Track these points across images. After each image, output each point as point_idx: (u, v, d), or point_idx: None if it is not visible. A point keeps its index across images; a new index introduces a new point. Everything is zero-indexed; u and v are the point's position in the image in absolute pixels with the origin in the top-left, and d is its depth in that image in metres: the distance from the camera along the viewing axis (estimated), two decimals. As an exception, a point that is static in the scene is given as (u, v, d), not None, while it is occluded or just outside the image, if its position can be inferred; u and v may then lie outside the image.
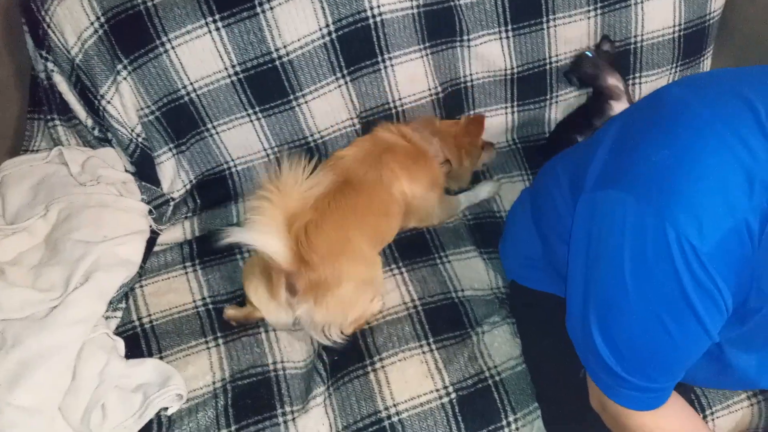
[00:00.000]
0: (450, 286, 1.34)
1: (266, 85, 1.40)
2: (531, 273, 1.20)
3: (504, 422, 1.15)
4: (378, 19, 1.39)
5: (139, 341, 1.25)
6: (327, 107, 1.46)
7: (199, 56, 1.34)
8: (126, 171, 1.46)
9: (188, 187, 1.50)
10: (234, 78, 1.38)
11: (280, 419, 1.15)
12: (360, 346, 1.24)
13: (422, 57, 1.48)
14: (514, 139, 1.66)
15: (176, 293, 1.33)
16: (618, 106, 1.49)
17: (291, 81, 1.40)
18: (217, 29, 1.32)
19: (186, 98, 1.39)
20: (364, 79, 1.46)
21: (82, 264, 1.22)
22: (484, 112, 1.62)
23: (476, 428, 1.15)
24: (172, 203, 1.48)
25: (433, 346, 1.23)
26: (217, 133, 1.44)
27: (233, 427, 1.14)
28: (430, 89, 1.53)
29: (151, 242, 1.40)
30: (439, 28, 1.47)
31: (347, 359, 1.23)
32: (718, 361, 0.88)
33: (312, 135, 1.49)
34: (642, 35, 1.55)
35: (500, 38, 1.52)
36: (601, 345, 0.83)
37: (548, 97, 1.62)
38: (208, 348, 1.24)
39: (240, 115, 1.43)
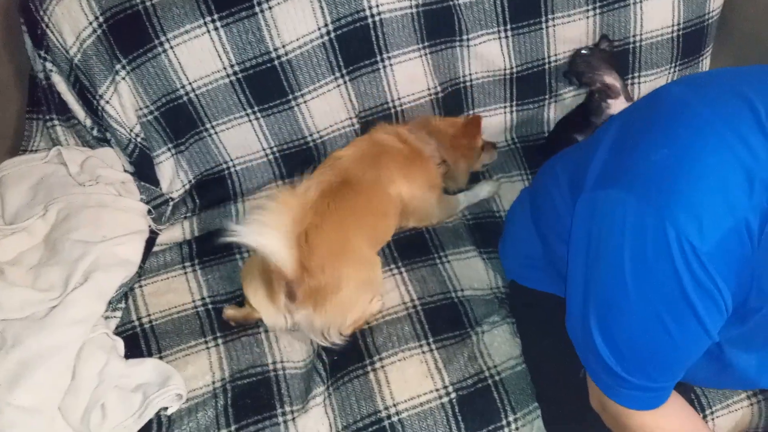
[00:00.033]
0: (449, 286, 1.34)
1: (265, 84, 1.40)
2: (531, 273, 1.20)
3: (504, 422, 1.15)
4: (377, 18, 1.39)
5: (138, 341, 1.25)
6: (326, 107, 1.46)
7: (198, 56, 1.34)
8: (125, 171, 1.46)
9: (187, 187, 1.50)
10: (233, 78, 1.38)
11: (280, 419, 1.15)
12: (360, 346, 1.24)
13: (421, 57, 1.48)
14: (513, 139, 1.66)
15: (175, 293, 1.33)
16: (616, 105, 1.49)
17: (290, 81, 1.40)
18: (216, 29, 1.32)
19: (185, 98, 1.39)
20: (363, 78, 1.46)
21: (81, 264, 1.22)
22: (482, 112, 1.62)
23: (476, 428, 1.15)
24: (171, 203, 1.48)
25: (433, 346, 1.23)
26: (216, 133, 1.44)
27: (233, 427, 1.14)
28: (429, 89, 1.52)
29: (151, 242, 1.40)
30: (438, 28, 1.47)
31: (347, 359, 1.23)
32: (718, 360, 0.88)
33: (311, 135, 1.48)
34: (641, 35, 1.55)
35: (499, 38, 1.52)
36: (601, 345, 0.83)
37: (547, 96, 1.62)
38: (208, 348, 1.24)
39: (239, 114, 1.43)
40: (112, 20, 1.31)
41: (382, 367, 1.20)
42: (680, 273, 0.71)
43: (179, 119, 1.41)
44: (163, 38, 1.32)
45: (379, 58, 1.44)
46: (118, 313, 1.29)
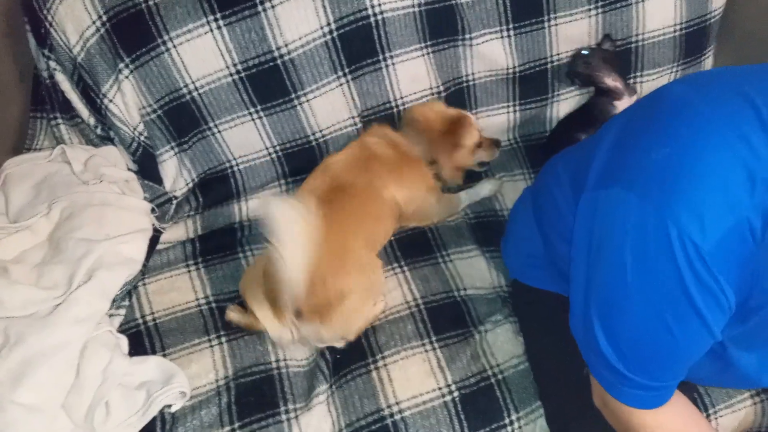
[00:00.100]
0: (452, 285, 1.34)
1: (267, 83, 1.40)
2: (533, 271, 1.20)
3: (506, 420, 1.16)
4: (379, 17, 1.39)
5: (142, 339, 1.26)
6: (328, 106, 1.46)
7: (201, 55, 1.34)
8: (128, 169, 1.46)
9: (190, 185, 1.50)
10: (235, 77, 1.38)
11: (283, 417, 1.15)
12: (362, 345, 1.24)
13: (424, 56, 1.48)
14: (516, 138, 1.66)
15: (179, 291, 1.33)
16: (621, 105, 1.49)
17: (292, 80, 1.40)
18: (219, 28, 1.32)
19: (188, 97, 1.39)
20: (366, 77, 1.46)
21: (84, 262, 1.22)
22: (484, 111, 1.62)
23: (479, 427, 1.15)
24: (174, 202, 1.48)
25: (436, 345, 1.24)
26: (218, 131, 1.44)
27: (236, 425, 1.14)
28: (431, 88, 1.52)
29: (154, 240, 1.40)
30: (441, 27, 1.46)
31: (350, 358, 1.23)
32: (721, 359, 0.88)
33: (313, 134, 1.49)
34: (643, 34, 1.55)
35: (501, 37, 1.51)
36: (603, 343, 0.83)
37: (550, 95, 1.62)
38: (211, 346, 1.24)
39: (241, 113, 1.43)
40: (115, 19, 1.31)
41: (385, 365, 1.21)
42: (682, 272, 0.71)
43: (182, 118, 1.42)
44: (166, 37, 1.32)
45: (381, 57, 1.44)
46: (122, 311, 1.29)
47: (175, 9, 1.30)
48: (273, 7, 1.33)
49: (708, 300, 0.73)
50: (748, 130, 0.71)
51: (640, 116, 0.86)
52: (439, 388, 1.18)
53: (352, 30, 1.39)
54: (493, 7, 1.47)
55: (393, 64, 1.46)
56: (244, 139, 1.46)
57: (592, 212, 0.83)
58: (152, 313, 1.30)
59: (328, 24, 1.37)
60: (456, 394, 1.18)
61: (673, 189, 0.72)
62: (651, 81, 1.62)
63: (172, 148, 1.45)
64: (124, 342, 1.22)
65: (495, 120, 1.63)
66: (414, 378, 1.19)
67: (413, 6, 1.41)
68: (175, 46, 1.33)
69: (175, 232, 1.45)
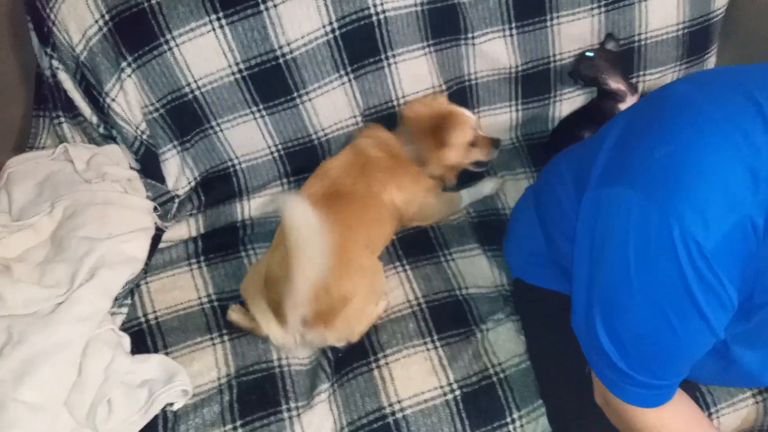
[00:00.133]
0: (454, 284, 1.34)
1: (270, 82, 1.40)
2: (535, 270, 1.20)
3: (508, 419, 1.16)
4: (381, 16, 1.39)
5: (144, 337, 1.26)
6: (330, 105, 1.46)
7: (203, 54, 1.35)
8: (131, 168, 1.46)
9: (193, 184, 1.50)
10: (238, 76, 1.38)
11: (285, 415, 1.15)
12: (364, 344, 1.24)
13: (426, 55, 1.48)
14: (518, 137, 1.65)
15: (181, 290, 1.34)
16: (625, 107, 1.48)
17: (294, 79, 1.40)
18: (221, 27, 1.33)
19: (190, 96, 1.39)
20: (368, 77, 1.46)
21: (87, 261, 1.23)
22: (487, 110, 1.61)
23: (480, 425, 1.15)
24: (177, 200, 1.48)
25: (438, 344, 1.24)
26: (221, 130, 1.44)
27: (238, 423, 1.14)
28: (433, 87, 1.52)
29: (156, 239, 1.40)
30: (443, 26, 1.46)
31: (351, 356, 1.23)
32: (723, 358, 0.88)
33: (316, 133, 1.49)
34: (646, 33, 1.54)
35: (504, 36, 1.51)
36: (605, 342, 0.83)
37: (552, 95, 1.61)
38: (213, 344, 1.24)
39: (244, 112, 1.43)
40: (117, 18, 1.32)
41: (387, 364, 1.21)
42: (684, 270, 0.71)
43: (185, 117, 1.42)
44: (168, 36, 1.32)
45: (383, 56, 1.44)
46: (125, 310, 1.29)
47: (177, 8, 1.31)
48: (275, 6, 1.33)
49: (710, 298, 0.73)
50: (751, 128, 0.71)
51: (643, 115, 0.86)
52: (441, 387, 1.18)
53: (354, 29, 1.39)
54: (495, 6, 1.47)
55: (395, 63, 1.46)
56: (246, 138, 1.46)
57: (595, 210, 0.83)
58: (154, 312, 1.30)
59: (331, 23, 1.37)
60: (457, 392, 1.18)
61: (676, 187, 0.72)
62: (654, 80, 1.61)
63: (174, 146, 1.46)
64: (126, 340, 1.22)
65: (497, 119, 1.62)
66: (415, 376, 1.19)
67: (415, 5, 1.41)
68: (177, 45, 1.33)
69: (178, 231, 1.45)
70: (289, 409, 1.16)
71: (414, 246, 1.41)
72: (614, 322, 0.82)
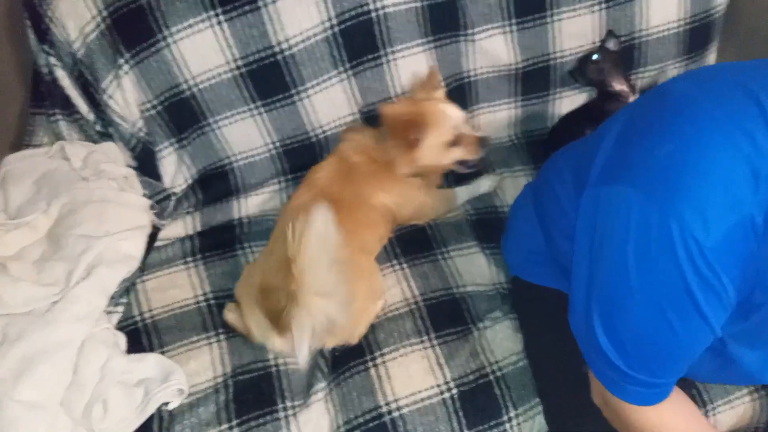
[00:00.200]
0: (451, 282, 1.34)
1: (268, 79, 1.39)
2: (534, 268, 1.19)
3: (505, 417, 1.15)
4: (381, 12, 1.38)
5: (140, 336, 1.26)
6: (329, 102, 1.46)
7: (201, 50, 1.34)
8: (128, 166, 1.46)
9: (190, 182, 1.50)
10: (236, 72, 1.37)
11: (281, 414, 1.15)
12: (361, 342, 1.24)
13: (425, 51, 1.47)
14: (517, 134, 1.65)
15: (178, 288, 1.33)
16: None
17: (293, 75, 1.40)
18: (219, 23, 1.32)
19: (188, 92, 1.39)
20: (367, 73, 1.45)
21: (84, 259, 1.22)
22: (487, 107, 1.60)
23: (477, 424, 1.15)
24: (173, 198, 1.48)
25: (435, 342, 1.23)
26: (218, 127, 1.44)
27: (234, 422, 1.14)
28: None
29: (153, 237, 1.40)
30: (443, 22, 1.46)
31: (348, 355, 1.23)
32: (721, 356, 0.88)
33: (314, 130, 1.48)
34: (647, 30, 1.54)
35: (504, 32, 1.51)
36: (603, 340, 0.83)
37: (552, 92, 1.61)
38: (210, 343, 1.24)
39: (242, 109, 1.42)
40: (115, 15, 1.31)
41: (384, 362, 1.20)
42: (684, 269, 0.71)
43: (182, 114, 1.41)
44: (166, 32, 1.31)
45: (382, 52, 1.44)
46: (121, 308, 1.29)
47: (175, 4, 1.30)
48: (274, 2, 1.32)
49: (710, 297, 0.73)
50: (753, 127, 0.71)
51: (643, 113, 0.86)
52: (438, 386, 1.18)
53: (354, 25, 1.38)
54: (495, 2, 1.46)
55: (394, 59, 1.45)
56: (244, 135, 1.45)
57: (595, 209, 0.83)
58: (150, 311, 1.30)
59: (329, 19, 1.36)
60: (455, 391, 1.17)
61: (676, 186, 0.72)
62: (653, 77, 1.61)
63: (171, 144, 1.45)
64: (122, 339, 1.22)
65: (497, 116, 1.62)
66: (413, 375, 1.19)
67: (415, 1, 1.41)
68: (175, 42, 1.32)
69: (174, 229, 1.45)
70: (285, 409, 1.16)
71: (411, 244, 1.41)
72: (613, 321, 0.82)
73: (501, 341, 1.24)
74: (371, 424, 1.14)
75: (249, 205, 1.50)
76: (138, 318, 1.29)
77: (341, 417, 1.16)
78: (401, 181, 1.37)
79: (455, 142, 1.36)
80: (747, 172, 0.69)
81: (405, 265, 1.37)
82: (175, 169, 1.47)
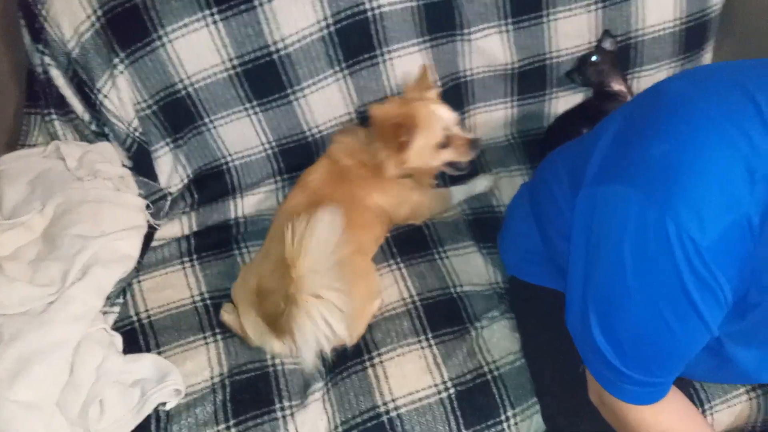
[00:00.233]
0: (449, 282, 1.34)
1: (264, 79, 1.39)
2: (530, 268, 1.19)
3: (503, 417, 1.15)
4: (377, 12, 1.38)
5: (137, 336, 1.25)
6: (325, 101, 1.45)
7: (196, 50, 1.34)
8: (123, 166, 1.45)
9: (186, 181, 1.49)
10: (231, 72, 1.37)
11: (279, 414, 1.15)
12: (358, 342, 1.24)
13: (421, 51, 1.47)
14: (513, 134, 1.65)
15: (174, 289, 1.33)
16: None
17: (289, 75, 1.39)
18: (215, 22, 1.31)
19: (183, 92, 1.38)
20: (363, 72, 1.45)
21: (79, 259, 1.22)
22: (483, 106, 1.60)
23: (475, 423, 1.15)
24: (169, 198, 1.47)
25: (432, 342, 1.23)
26: (214, 127, 1.43)
27: (231, 422, 1.14)
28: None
29: (149, 237, 1.40)
30: (439, 22, 1.46)
31: (345, 355, 1.23)
32: (718, 355, 0.88)
33: (310, 129, 1.48)
34: (643, 29, 1.54)
35: (500, 32, 1.50)
36: (600, 340, 0.83)
37: (548, 91, 1.61)
38: (207, 343, 1.24)
39: (237, 109, 1.42)
40: (110, 14, 1.30)
41: (381, 362, 1.20)
42: (680, 268, 0.71)
43: (178, 113, 1.41)
44: (161, 32, 1.31)
45: (378, 52, 1.43)
46: (117, 309, 1.29)
47: (170, 3, 1.30)
48: (269, 1, 1.32)
49: (705, 296, 0.73)
50: (749, 126, 0.71)
51: (639, 112, 0.86)
52: (435, 385, 1.18)
53: (350, 24, 1.38)
54: (491, 2, 1.46)
55: (390, 59, 1.45)
56: (240, 135, 1.45)
57: (591, 209, 0.83)
58: (147, 311, 1.30)
59: (325, 18, 1.36)
60: (452, 390, 1.17)
61: (672, 186, 0.72)
62: (650, 76, 1.61)
63: (167, 144, 1.45)
64: (118, 340, 1.22)
65: (493, 115, 1.62)
66: (410, 375, 1.19)
67: (411, 0, 1.40)
68: (170, 41, 1.32)
69: (170, 229, 1.44)
70: (282, 408, 1.15)
71: (408, 244, 1.41)
72: (610, 321, 0.82)
73: (498, 341, 1.24)
74: (369, 424, 1.14)
75: (245, 205, 1.49)
76: (134, 318, 1.29)
77: (339, 417, 1.15)
78: (395, 183, 1.37)
79: (445, 144, 1.35)
80: (743, 172, 0.69)
81: (402, 265, 1.37)
82: (171, 169, 1.47)
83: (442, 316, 1.27)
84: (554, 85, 1.60)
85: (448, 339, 1.24)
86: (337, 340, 1.18)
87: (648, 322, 0.78)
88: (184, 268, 1.37)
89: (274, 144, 1.48)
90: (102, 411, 1.10)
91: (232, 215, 1.48)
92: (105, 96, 1.36)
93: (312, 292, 1.07)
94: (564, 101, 1.62)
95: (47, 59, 1.36)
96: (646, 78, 1.61)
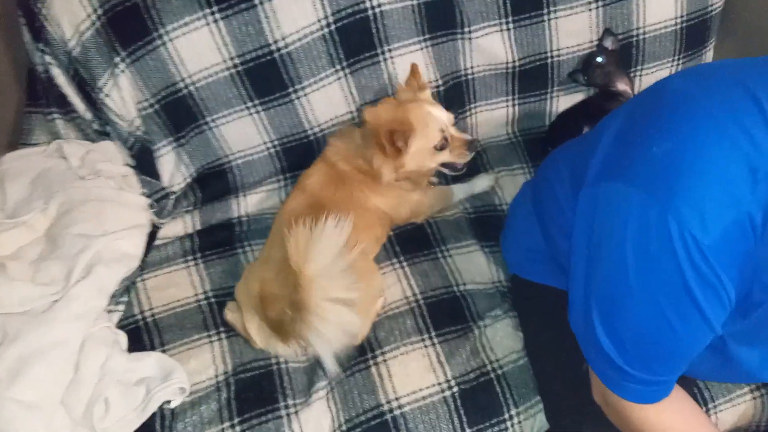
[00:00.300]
0: (451, 280, 1.34)
1: (265, 77, 1.39)
2: (533, 266, 1.20)
3: (506, 416, 1.16)
4: (377, 10, 1.38)
5: (141, 335, 1.25)
6: (326, 100, 1.45)
7: (197, 49, 1.33)
8: (126, 165, 1.45)
9: (188, 180, 1.49)
10: (233, 71, 1.37)
11: (283, 412, 1.15)
12: (362, 341, 1.24)
13: (422, 49, 1.47)
14: (515, 132, 1.65)
15: (178, 287, 1.33)
16: None
17: (290, 73, 1.39)
18: (215, 21, 1.31)
19: (185, 91, 1.38)
20: (364, 71, 1.45)
21: (82, 258, 1.22)
22: (484, 105, 1.60)
23: (478, 422, 1.15)
24: (172, 197, 1.47)
25: (435, 340, 1.24)
26: (216, 126, 1.43)
27: (236, 420, 1.14)
28: (430, 82, 1.51)
29: (152, 236, 1.40)
30: (439, 20, 1.46)
31: (349, 353, 1.23)
32: (721, 354, 0.88)
33: (311, 128, 1.48)
34: (644, 27, 1.54)
35: (501, 30, 1.50)
36: (603, 338, 0.83)
37: (549, 90, 1.61)
38: (211, 341, 1.24)
39: (239, 108, 1.42)
40: (110, 12, 1.30)
41: (385, 361, 1.21)
42: (683, 266, 0.71)
43: (179, 112, 1.41)
44: (162, 31, 1.31)
45: (379, 50, 1.43)
46: (121, 307, 1.29)
47: (170, 2, 1.29)
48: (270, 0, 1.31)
49: (708, 294, 0.73)
50: (750, 124, 0.70)
51: (640, 110, 0.86)
52: (439, 384, 1.18)
53: (350, 23, 1.38)
54: (492, 0, 1.46)
55: (391, 57, 1.45)
56: (242, 133, 1.45)
57: (593, 207, 0.83)
58: (151, 309, 1.30)
59: (326, 17, 1.36)
60: (455, 389, 1.18)
61: (674, 184, 0.71)
62: (651, 74, 1.61)
63: (169, 142, 1.44)
64: (122, 338, 1.22)
65: (494, 114, 1.62)
66: (413, 373, 1.19)
67: (411, -1, 1.40)
68: (171, 40, 1.32)
69: (174, 228, 1.44)
70: (287, 407, 1.16)
71: (411, 242, 1.41)
72: (613, 320, 0.82)
73: (501, 339, 1.24)
74: (372, 423, 1.14)
75: (248, 204, 1.50)
76: (139, 317, 1.29)
77: (343, 415, 1.16)
78: (393, 185, 1.35)
79: (442, 146, 1.33)
80: (745, 170, 0.69)
81: (405, 264, 1.37)
82: (174, 168, 1.46)
83: (445, 315, 1.27)
84: (555, 84, 1.60)
85: (451, 337, 1.24)
86: (352, 340, 1.19)
87: (651, 321, 0.78)
88: (187, 267, 1.37)
89: (276, 143, 1.48)
90: (106, 409, 1.10)
91: (235, 214, 1.49)
92: (106, 95, 1.36)
93: (323, 296, 1.07)
94: (565, 99, 1.62)
95: (48, 58, 1.35)
96: (648, 76, 1.61)
